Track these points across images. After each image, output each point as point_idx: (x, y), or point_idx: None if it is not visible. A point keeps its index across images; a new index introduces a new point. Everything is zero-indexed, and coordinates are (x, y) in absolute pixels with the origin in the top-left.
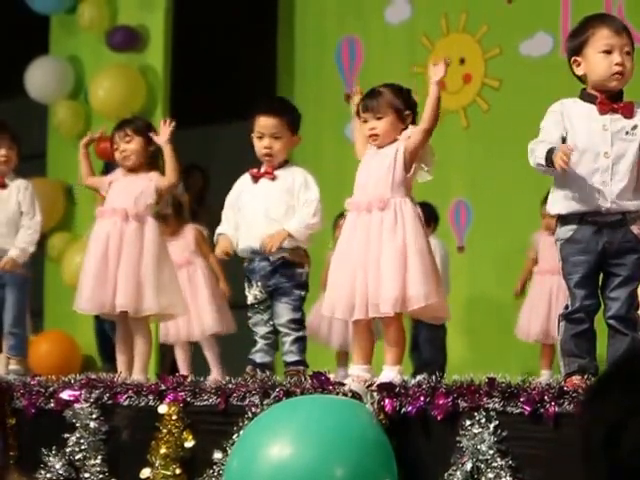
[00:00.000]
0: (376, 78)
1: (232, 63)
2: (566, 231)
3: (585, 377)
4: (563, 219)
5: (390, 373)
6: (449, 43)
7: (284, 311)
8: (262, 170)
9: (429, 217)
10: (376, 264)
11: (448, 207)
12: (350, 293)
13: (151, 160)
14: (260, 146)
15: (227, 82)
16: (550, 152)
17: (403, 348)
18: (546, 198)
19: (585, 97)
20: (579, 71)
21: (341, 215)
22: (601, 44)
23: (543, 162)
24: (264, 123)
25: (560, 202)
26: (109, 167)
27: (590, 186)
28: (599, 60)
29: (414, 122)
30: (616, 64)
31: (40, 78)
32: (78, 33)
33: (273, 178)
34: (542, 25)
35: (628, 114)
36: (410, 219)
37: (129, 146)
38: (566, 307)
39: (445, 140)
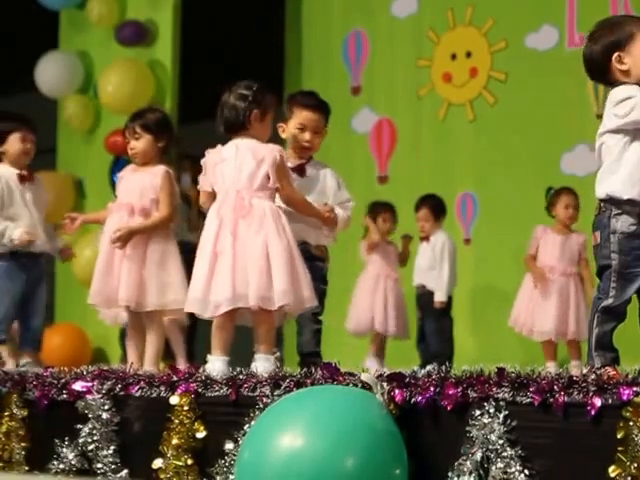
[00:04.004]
0: (382, 71)
1: (240, 57)
2: (627, 225)
3: (617, 369)
4: (617, 206)
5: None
6: (455, 37)
7: None
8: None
9: (437, 209)
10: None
11: (454, 200)
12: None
13: (161, 154)
14: (302, 138)
15: (235, 76)
16: None
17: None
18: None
19: None
20: (622, 66)
21: (372, 208)
22: None
23: None
24: (310, 117)
25: (622, 185)
26: (119, 162)
27: None
28: None
29: None
30: None
31: (50, 73)
32: (87, 28)
33: (302, 174)
34: (548, 18)
35: None
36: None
37: (137, 144)
38: (600, 299)
39: (451, 133)
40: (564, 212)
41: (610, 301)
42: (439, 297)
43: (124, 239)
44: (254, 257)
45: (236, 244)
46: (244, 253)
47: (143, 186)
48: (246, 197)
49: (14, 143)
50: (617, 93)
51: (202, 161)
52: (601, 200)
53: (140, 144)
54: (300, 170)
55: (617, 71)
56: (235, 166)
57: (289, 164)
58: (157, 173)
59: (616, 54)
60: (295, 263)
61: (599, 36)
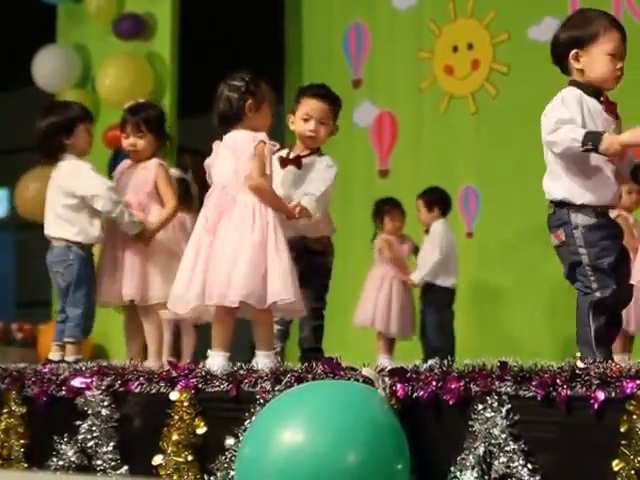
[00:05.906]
0: (383, 64)
1: (240, 50)
2: (587, 218)
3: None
4: (573, 207)
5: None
6: (456, 28)
7: (306, 300)
8: (291, 156)
9: (430, 202)
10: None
11: (457, 193)
12: None
13: (155, 151)
14: (305, 128)
15: (235, 70)
16: (594, 135)
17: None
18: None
19: (590, 91)
20: (577, 65)
21: (384, 204)
22: (610, 47)
23: (580, 139)
24: (316, 106)
25: (574, 191)
26: (118, 156)
27: (607, 181)
28: (605, 62)
29: None
30: (619, 69)
31: (47, 67)
32: (85, 21)
33: (299, 166)
34: (550, 10)
35: (615, 114)
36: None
37: (140, 142)
38: (587, 294)
39: (453, 126)
40: (627, 197)
41: (598, 295)
42: (414, 276)
43: (149, 237)
44: (227, 254)
45: (214, 241)
46: (221, 250)
47: (137, 181)
48: (230, 192)
49: (83, 135)
50: (561, 96)
51: (204, 164)
52: (556, 203)
53: (143, 142)
54: (297, 162)
55: (572, 67)
56: (222, 162)
57: (291, 154)
58: (151, 167)
59: (574, 51)
60: (266, 258)
61: (569, 27)
